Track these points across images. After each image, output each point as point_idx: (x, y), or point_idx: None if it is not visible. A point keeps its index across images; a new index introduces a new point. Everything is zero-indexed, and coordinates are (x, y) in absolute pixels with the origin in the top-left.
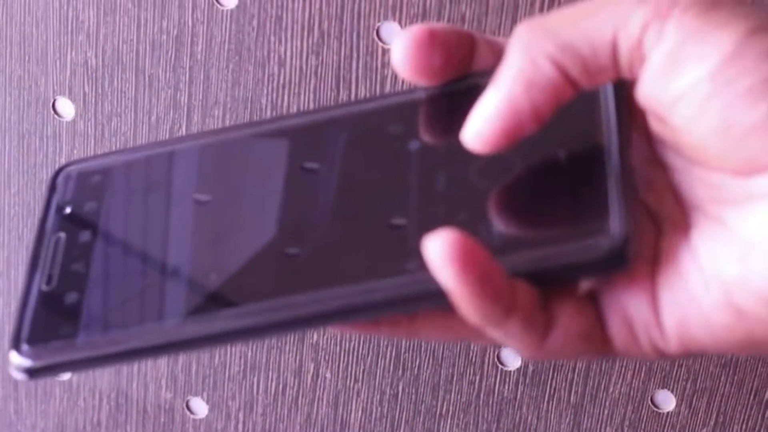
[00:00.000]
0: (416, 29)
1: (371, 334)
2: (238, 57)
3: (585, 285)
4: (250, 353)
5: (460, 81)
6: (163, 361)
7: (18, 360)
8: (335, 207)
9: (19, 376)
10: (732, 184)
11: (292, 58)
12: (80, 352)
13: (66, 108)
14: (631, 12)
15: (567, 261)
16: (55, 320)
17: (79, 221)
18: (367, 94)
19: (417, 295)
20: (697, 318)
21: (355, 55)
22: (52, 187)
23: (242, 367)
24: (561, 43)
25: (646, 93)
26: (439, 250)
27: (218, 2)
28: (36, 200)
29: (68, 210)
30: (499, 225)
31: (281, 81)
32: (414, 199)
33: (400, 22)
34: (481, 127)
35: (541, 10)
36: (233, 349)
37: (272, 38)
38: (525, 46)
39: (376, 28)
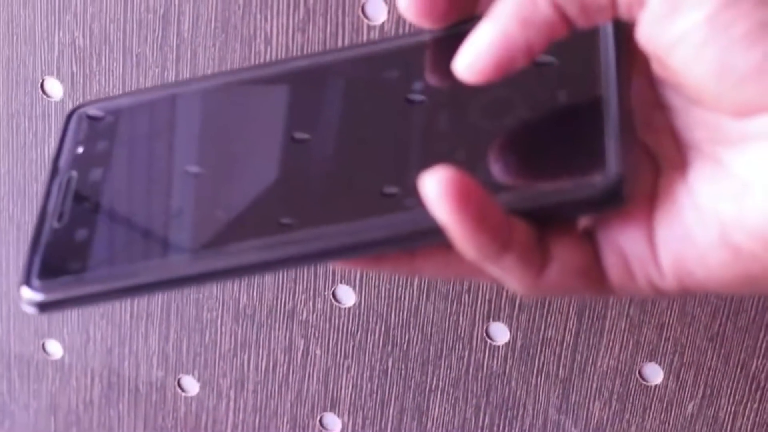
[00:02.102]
0: None
1: (373, 270)
2: (224, 35)
3: (582, 222)
4: (240, 331)
5: (465, 23)
6: (153, 340)
7: (29, 294)
8: (337, 146)
9: (30, 311)
10: (729, 124)
11: (278, 36)
12: (90, 286)
13: (54, 88)
14: None
15: (564, 198)
16: (65, 256)
17: (90, 160)
18: None
19: (415, 231)
20: (694, 256)
21: (340, 32)
22: (66, 127)
23: (233, 345)
24: None
25: (644, 35)
26: (436, 187)
27: None
28: (26, 180)
29: (80, 149)
30: (497, 164)
31: (267, 58)
32: (415, 138)
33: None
34: (473, 58)
35: None
36: (223, 328)
37: (258, 16)
38: None
39: (361, 4)
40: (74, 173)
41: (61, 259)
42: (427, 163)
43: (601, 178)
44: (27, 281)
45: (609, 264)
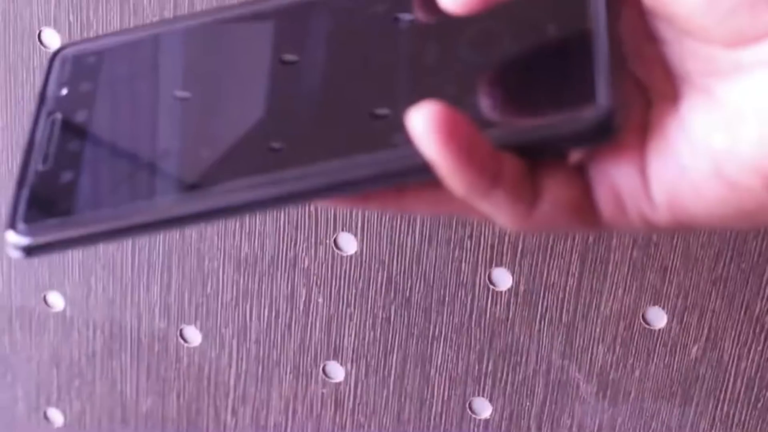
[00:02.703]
0: None
1: (361, 208)
2: None
3: (573, 156)
4: (242, 281)
5: None
6: (155, 290)
7: (15, 239)
8: (322, 82)
9: (16, 255)
10: (721, 55)
11: None
12: (75, 229)
13: (52, 39)
14: None
15: (553, 132)
16: (51, 199)
17: (74, 102)
18: None
19: (404, 167)
20: (688, 189)
21: None
22: (50, 69)
23: (234, 295)
24: None
25: None
26: (423, 121)
27: None
28: (25, 133)
29: (64, 91)
30: (486, 99)
31: None
32: (401, 74)
33: None
34: None
35: None
36: (225, 277)
37: None
38: None
39: None
40: (59, 115)
41: (47, 202)
42: (414, 98)
43: (591, 111)
44: (12, 225)
45: (600, 198)
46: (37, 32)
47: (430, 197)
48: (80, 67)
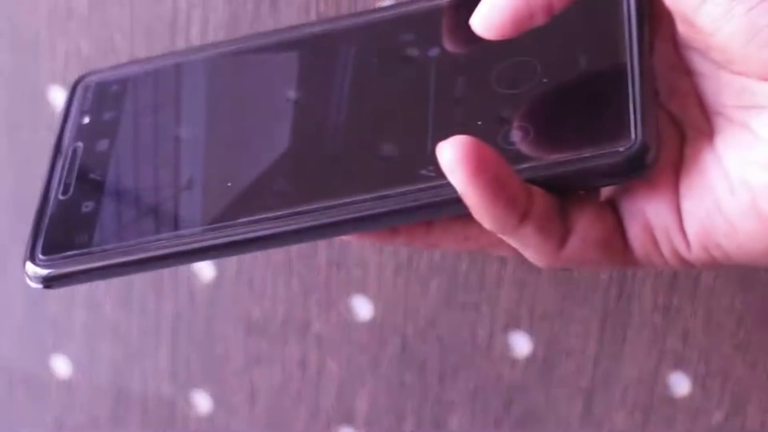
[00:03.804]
0: None
1: (388, 244)
2: None
3: (604, 191)
4: (252, 345)
5: None
6: (163, 355)
7: (34, 270)
8: (353, 114)
9: (35, 286)
10: (758, 88)
11: None
12: (95, 261)
13: (59, 98)
14: None
15: (585, 167)
16: (71, 229)
17: (96, 131)
18: None
19: (433, 201)
20: (722, 224)
21: None
22: (72, 96)
23: (245, 360)
24: None
25: None
26: (452, 154)
27: None
28: (31, 194)
29: (86, 119)
30: (516, 131)
31: None
32: (432, 106)
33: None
34: (490, 12)
35: None
36: (235, 342)
37: (268, 21)
38: None
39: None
40: (80, 144)
41: (67, 233)
42: (444, 131)
43: (624, 145)
44: (31, 256)
45: (633, 234)
46: (45, 91)
47: (458, 232)
48: (103, 96)
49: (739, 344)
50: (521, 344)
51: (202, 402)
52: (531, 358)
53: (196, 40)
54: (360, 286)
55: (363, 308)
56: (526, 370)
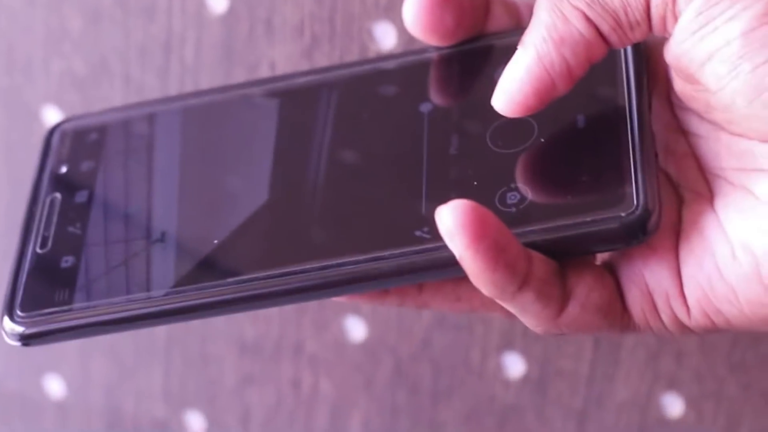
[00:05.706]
0: None
1: (377, 305)
2: (228, 62)
3: (603, 255)
4: (245, 366)
5: (473, 42)
6: (156, 375)
7: (11, 327)
8: (344, 172)
9: (13, 343)
10: (760, 150)
11: (283, 62)
12: (75, 318)
13: (54, 118)
14: None
15: (585, 233)
16: (49, 285)
17: (74, 181)
18: None
19: (429, 264)
20: (724, 290)
21: (347, 58)
22: (47, 146)
23: (238, 380)
24: None
25: (677, 50)
26: (452, 220)
27: (207, 7)
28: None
29: (63, 169)
30: (514, 193)
31: None
32: (427, 164)
33: (393, 23)
34: (511, 89)
35: None
36: (228, 362)
37: (262, 42)
38: (554, 2)
39: (368, 29)
40: (57, 195)
41: (46, 288)
42: (439, 191)
43: (626, 211)
44: (9, 312)
45: (631, 299)
46: (39, 111)
47: (450, 294)
48: (81, 144)
49: (733, 365)
50: (515, 365)
51: (196, 422)
52: (524, 379)
53: (190, 61)
54: (353, 307)
55: (357, 329)
56: (520, 391)
